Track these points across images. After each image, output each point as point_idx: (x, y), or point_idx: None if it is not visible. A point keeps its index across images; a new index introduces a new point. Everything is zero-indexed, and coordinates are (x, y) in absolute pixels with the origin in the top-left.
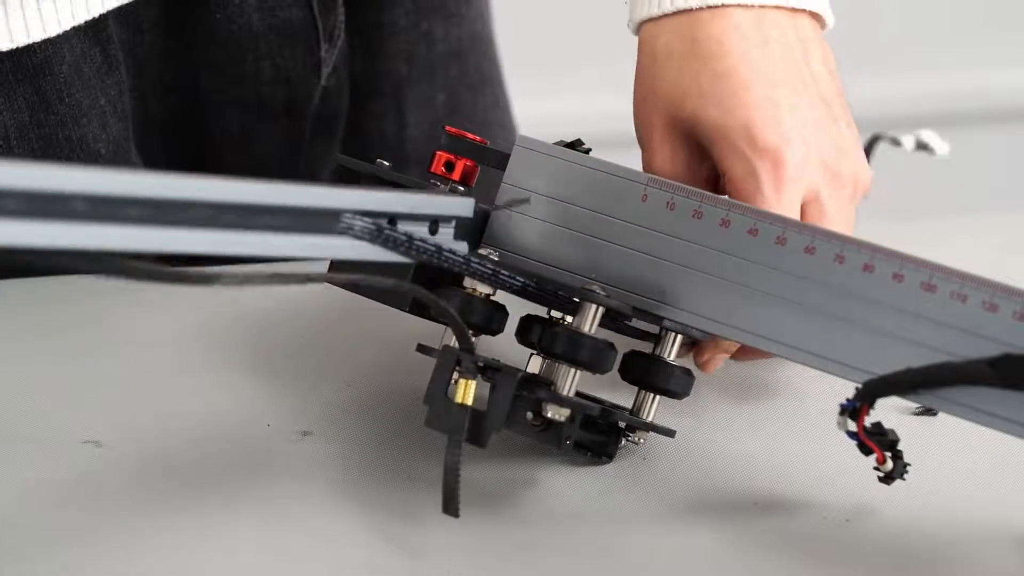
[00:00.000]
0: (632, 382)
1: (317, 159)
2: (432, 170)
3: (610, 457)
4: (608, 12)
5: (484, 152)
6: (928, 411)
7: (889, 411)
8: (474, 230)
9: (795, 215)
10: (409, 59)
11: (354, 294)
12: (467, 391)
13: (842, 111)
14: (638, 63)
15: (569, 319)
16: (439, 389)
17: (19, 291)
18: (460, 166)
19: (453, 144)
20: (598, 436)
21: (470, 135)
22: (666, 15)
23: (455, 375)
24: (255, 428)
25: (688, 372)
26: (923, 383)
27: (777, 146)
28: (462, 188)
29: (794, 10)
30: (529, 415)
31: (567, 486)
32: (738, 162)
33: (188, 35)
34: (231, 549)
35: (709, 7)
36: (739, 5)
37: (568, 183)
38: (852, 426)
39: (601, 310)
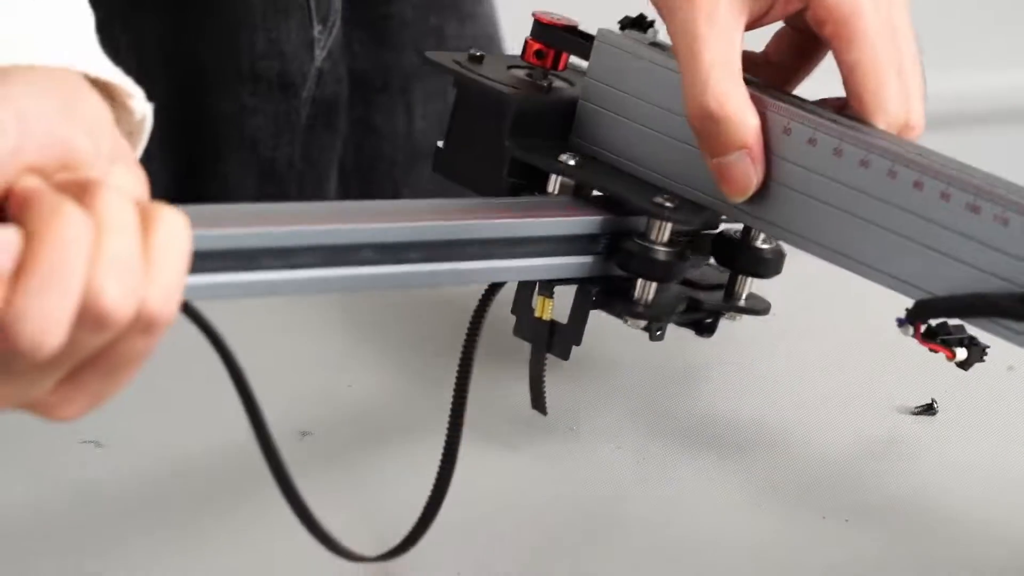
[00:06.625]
0: (725, 265)
1: (315, 147)
2: (525, 58)
3: (710, 332)
4: (614, 16)
5: (571, 41)
6: (928, 410)
7: (889, 411)
8: (559, 123)
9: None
10: (418, 53)
11: (352, 295)
12: (545, 307)
13: None
14: None
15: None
16: (524, 299)
17: None
18: (550, 55)
19: (542, 33)
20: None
21: (558, 22)
22: None
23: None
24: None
25: (780, 252)
26: (961, 311)
27: None
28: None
29: None
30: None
31: (571, 486)
32: None
33: (187, 10)
34: (230, 549)
35: None
36: None
37: (648, 82)
38: (911, 332)
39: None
